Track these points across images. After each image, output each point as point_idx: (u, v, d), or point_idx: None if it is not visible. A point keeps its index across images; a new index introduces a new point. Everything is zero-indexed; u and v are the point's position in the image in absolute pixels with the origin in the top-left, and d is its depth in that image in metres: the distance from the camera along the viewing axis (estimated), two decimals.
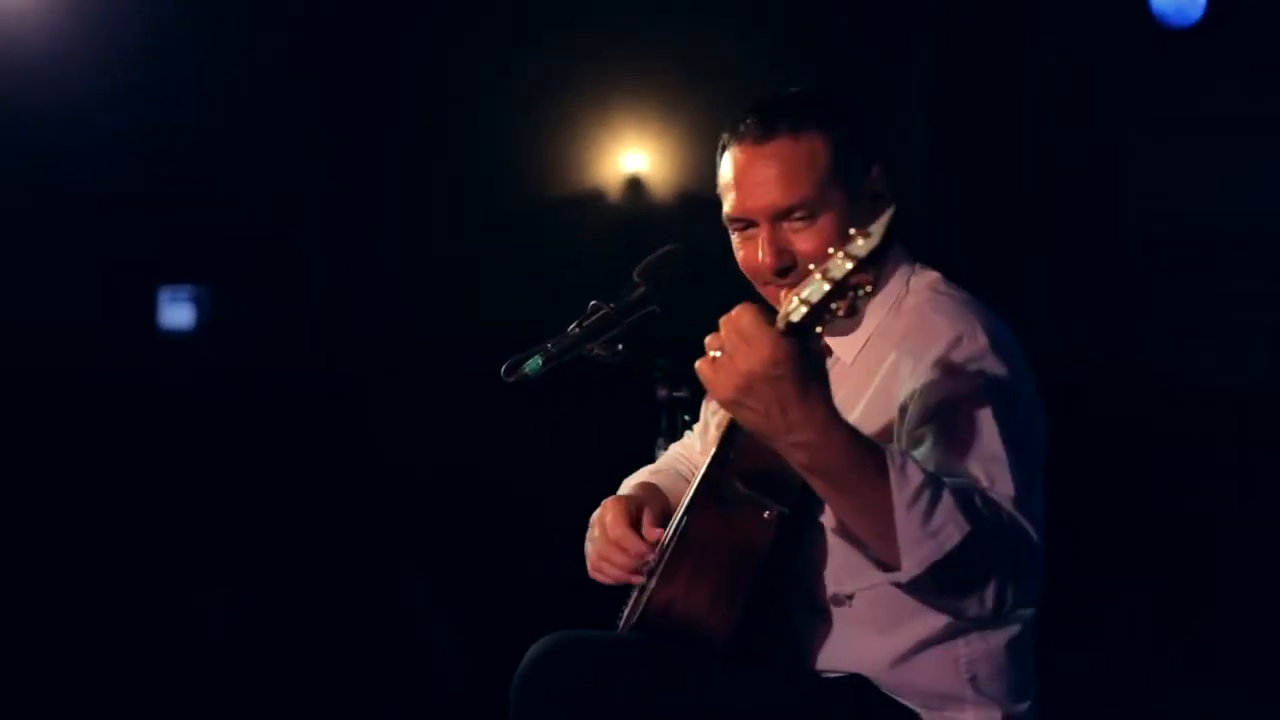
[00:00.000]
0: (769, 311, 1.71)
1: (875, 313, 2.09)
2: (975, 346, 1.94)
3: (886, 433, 1.98)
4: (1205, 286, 5.69)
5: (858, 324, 2.08)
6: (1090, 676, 3.79)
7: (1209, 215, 5.72)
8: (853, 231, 1.59)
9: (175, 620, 4.57)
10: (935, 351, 1.94)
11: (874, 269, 1.58)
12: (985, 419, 1.86)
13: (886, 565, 1.75)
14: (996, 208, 6.46)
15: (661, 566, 2.07)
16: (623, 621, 2.22)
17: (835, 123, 2.08)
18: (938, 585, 1.76)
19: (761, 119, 2.08)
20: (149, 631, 4.47)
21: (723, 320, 1.70)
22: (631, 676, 1.99)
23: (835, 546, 2.00)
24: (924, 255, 2.19)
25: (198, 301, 6.32)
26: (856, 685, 2.05)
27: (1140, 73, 6.02)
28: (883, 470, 1.71)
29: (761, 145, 2.07)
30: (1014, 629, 2.07)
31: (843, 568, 2.02)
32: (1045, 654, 2.14)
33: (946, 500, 1.71)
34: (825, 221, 2.05)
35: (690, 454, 2.49)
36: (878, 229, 1.57)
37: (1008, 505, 1.80)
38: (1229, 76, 5.61)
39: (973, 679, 2.03)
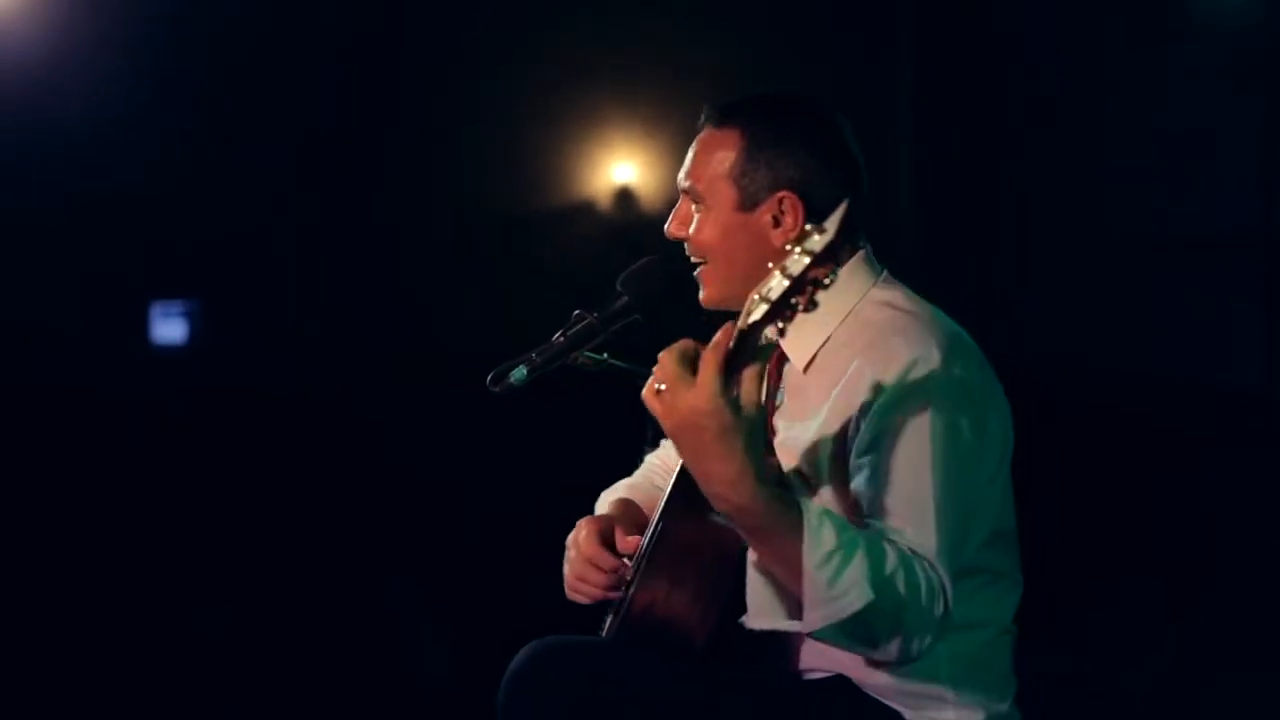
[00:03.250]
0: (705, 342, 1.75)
1: (829, 320, 2.08)
2: (928, 372, 1.94)
3: (835, 449, 2.00)
4: (1190, 288, 5.71)
5: (810, 330, 2.08)
6: (1074, 676, 3.80)
7: (1191, 218, 5.75)
8: (809, 227, 1.62)
9: (171, 630, 4.58)
10: (889, 376, 1.94)
11: (832, 261, 1.62)
12: (921, 460, 1.89)
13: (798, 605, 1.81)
14: (981, 213, 6.48)
15: (640, 571, 2.09)
16: (606, 627, 2.24)
17: (761, 130, 2.10)
18: (838, 639, 1.83)
19: (718, 104, 2.17)
20: (146, 640, 4.48)
21: (660, 356, 1.75)
22: (617, 681, 2.00)
23: None
24: (911, 259, 2.20)
25: (189, 316, 6.34)
26: (839, 685, 2.06)
27: (1120, 77, 6.05)
28: (798, 529, 1.77)
29: (700, 127, 2.18)
30: (996, 629, 2.09)
31: None
32: (1029, 653, 2.16)
33: (856, 566, 1.76)
34: (708, 216, 2.14)
35: (668, 461, 2.51)
36: (832, 223, 1.60)
37: (927, 558, 1.83)
38: (1209, 80, 5.63)
39: (954, 678, 2.04)
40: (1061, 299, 6.23)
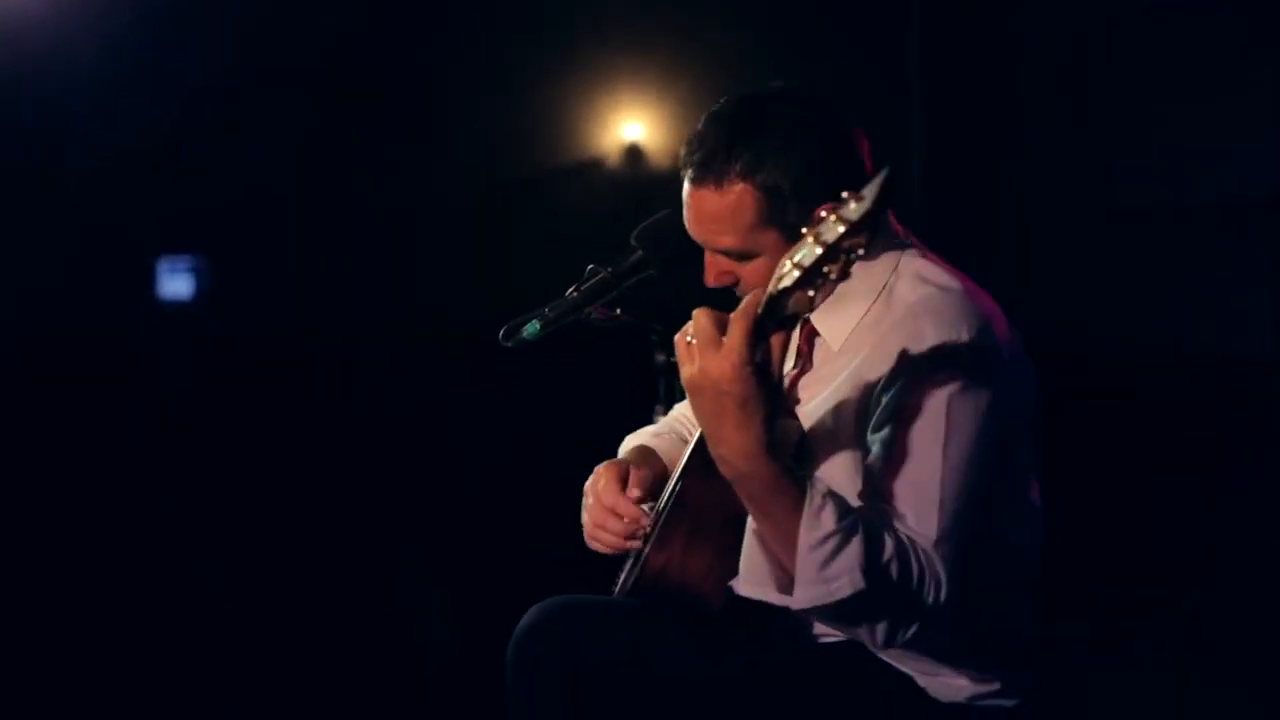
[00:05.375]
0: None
1: (863, 297, 2.04)
2: (954, 354, 1.91)
3: (855, 422, 1.98)
4: (1201, 255, 5.68)
5: (845, 307, 2.05)
6: (1094, 649, 3.80)
7: (1203, 187, 5.71)
8: (846, 194, 1.57)
9: (171, 593, 4.57)
10: (914, 355, 1.92)
11: (868, 231, 1.57)
12: (933, 444, 1.87)
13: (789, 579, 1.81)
14: (991, 183, 6.45)
15: (657, 531, 2.07)
16: (618, 587, 2.22)
17: (770, 165, 1.97)
18: (824, 619, 1.86)
19: (694, 158, 2.02)
20: (142, 605, 4.47)
21: (695, 313, 1.73)
22: (626, 640, 1.99)
23: None
24: (918, 231, 2.15)
25: (195, 272, 6.32)
26: (853, 650, 2.04)
27: (1131, 43, 6.00)
28: (800, 506, 1.76)
29: (693, 186, 2.04)
30: (1014, 598, 2.08)
31: None
32: (1047, 627, 2.14)
33: (851, 552, 1.75)
34: (756, 264, 2.04)
35: (691, 413, 2.48)
36: (871, 190, 1.55)
37: (925, 546, 1.82)
38: (1220, 45, 5.58)
39: (971, 646, 2.02)
40: (1070, 269, 6.21)
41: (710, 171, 2.00)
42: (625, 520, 2.18)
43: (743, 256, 2.04)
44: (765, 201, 1.98)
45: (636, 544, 2.18)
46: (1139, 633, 4.11)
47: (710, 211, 2.02)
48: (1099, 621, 4.04)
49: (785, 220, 1.99)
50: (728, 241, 2.03)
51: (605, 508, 2.20)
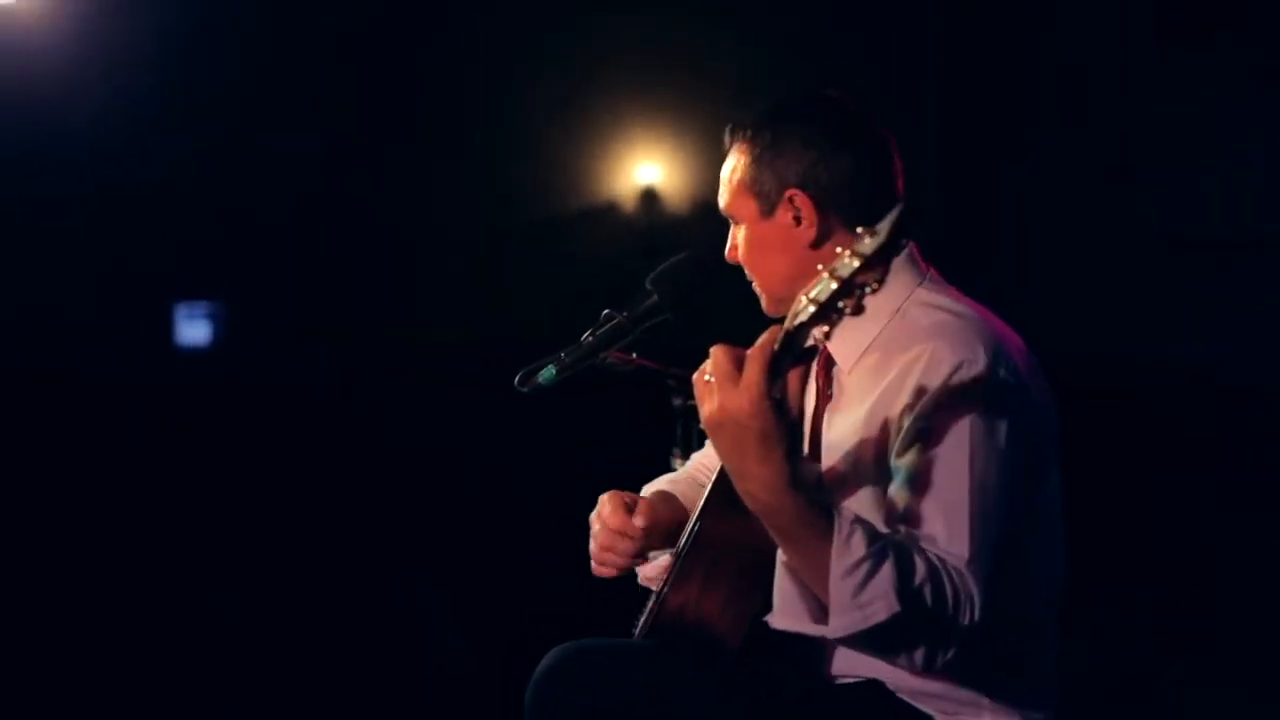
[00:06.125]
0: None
1: (876, 321, 2.05)
2: (972, 377, 1.91)
3: (877, 450, 1.98)
4: (1216, 283, 5.68)
5: (857, 331, 2.06)
6: (1110, 683, 3.77)
7: (1217, 214, 5.72)
8: (860, 230, 1.61)
9: (188, 626, 4.58)
10: (932, 380, 1.92)
11: (882, 266, 1.62)
12: (959, 466, 1.87)
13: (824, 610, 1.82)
14: (1006, 206, 6.47)
15: (675, 571, 2.07)
16: (638, 629, 2.22)
17: (760, 136, 2.12)
18: (863, 647, 1.84)
19: (732, 122, 2.20)
20: (160, 634, 4.49)
21: (712, 350, 1.76)
22: (646, 682, 1.99)
23: None
24: (933, 255, 2.17)
25: (211, 316, 6.36)
26: (873, 690, 2.04)
27: (1147, 70, 6.02)
28: (828, 534, 1.77)
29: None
30: (1032, 635, 2.06)
31: None
32: (1065, 660, 2.14)
33: (884, 576, 1.76)
34: (744, 234, 2.16)
35: (710, 461, 2.48)
36: (885, 226, 1.59)
37: (957, 566, 1.82)
38: (1237, 73, 5.60)
39: (991, 684, 2.01)
40: (1085, 294, 6.21)
41: (733, 131, 2.18)
42: (633, 540, 2.21)
43: (735, 221, 2.18)
44: (749, 165, 2.13)
45: (640, 562, 2.21)
46: (1139, 633, 4.10)
47: (724, 168, 2.19)
48: (1098, 622, 4.02)
49: (760, 189, 2.11)
50: (724, 200, 2.18)
51: (611, 530, 2.23)
